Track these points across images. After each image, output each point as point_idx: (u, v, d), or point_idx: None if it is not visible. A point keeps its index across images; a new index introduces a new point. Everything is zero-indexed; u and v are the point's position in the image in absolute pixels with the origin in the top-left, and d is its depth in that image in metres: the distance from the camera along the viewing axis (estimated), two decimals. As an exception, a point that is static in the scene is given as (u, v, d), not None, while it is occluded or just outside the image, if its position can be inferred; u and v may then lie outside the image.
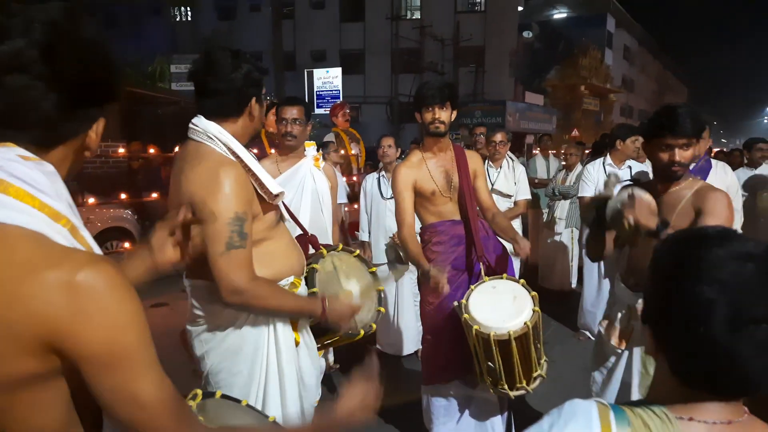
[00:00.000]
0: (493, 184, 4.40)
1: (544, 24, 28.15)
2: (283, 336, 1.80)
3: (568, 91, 28.10)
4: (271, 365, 1.79)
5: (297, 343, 1.86)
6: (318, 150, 3.12)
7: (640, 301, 2.11)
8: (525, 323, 2.22)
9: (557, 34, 28.95)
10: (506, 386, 2.33)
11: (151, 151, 7.45)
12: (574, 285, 5.95)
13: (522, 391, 2.35)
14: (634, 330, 2.12)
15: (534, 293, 2.38)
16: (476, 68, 23.71)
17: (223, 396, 1.30)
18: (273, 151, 3.33)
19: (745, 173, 5.02)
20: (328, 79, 13.09)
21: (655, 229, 1.83)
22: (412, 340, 4.21)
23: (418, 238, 2.88)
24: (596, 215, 2.07)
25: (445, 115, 2.62)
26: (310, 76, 13.07)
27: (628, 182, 2.16)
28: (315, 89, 12.85)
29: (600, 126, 27.27)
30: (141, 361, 0.78)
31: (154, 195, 6.61)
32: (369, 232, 4.41)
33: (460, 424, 2.81)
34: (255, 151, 4.06)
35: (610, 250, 2.30)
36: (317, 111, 11.96)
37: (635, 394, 2.12)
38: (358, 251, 2.19)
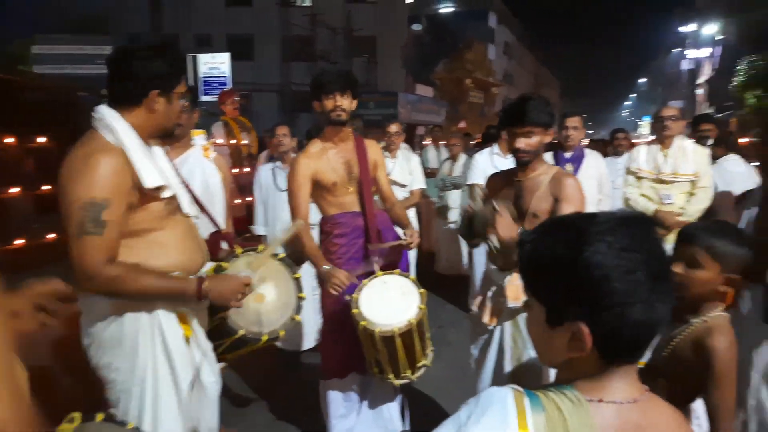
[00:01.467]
0: (389, 175, 4.45)
1: (432, 17, 29.04)
2: (169, 329, 1.71)
3: (455, 84, 29.32)
4: (160, 364, 1.70)
5: (187, 339, 1.77)
6: (208, 137, 2.95)
7: (507, 278, 2.29)
8: (409, 321, 2.33)
9: (444, 28, 30.01)
10: (391, 375, 2.45)
11: (9, 141, 6.56)
12: (464, 265, 6.24)
13: (406, 380, 2.47)
14: (504, 307, 2.28)
15: (423, 290, 2.47)
16: (369, 59, 23.88)
17: (106, 419, 1.17)
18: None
19: (612, 162, 5.53)
20: (215, 64, 12.44)
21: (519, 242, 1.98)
22: (311, 334, 4.14)
23: (316, 230, 2.83)
24: (467, 229, 2.21)
25: (346, 102, 2.59)
26: (195, 61, 12.32)
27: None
28: (200, 75, 12.15)
29: (485, 118, 28.80)
30: None
31: (14, 190, 5.85)
32: (265, 225, 4.27)
33: (360, 416, 2.83)
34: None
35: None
36: (204, 98, 11.32)
37: (507, 366, 2.30)
38: (282, 254, 2.10)
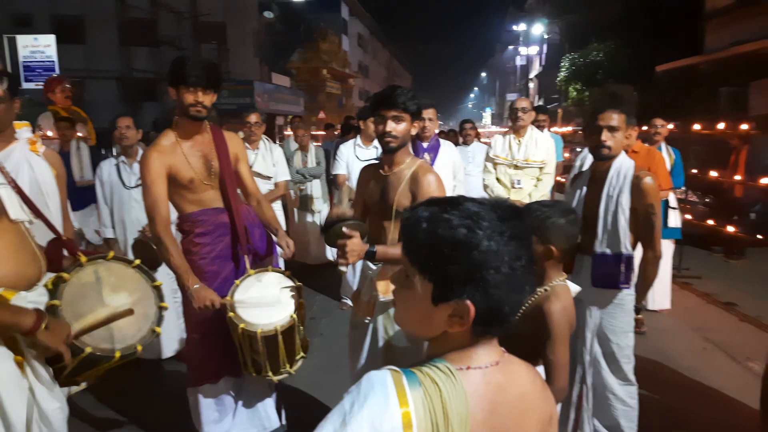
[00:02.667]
0: (251, 167, 4.29)
1: (284, 5, 28.42)
2: None
3: (312, 74, 29.18)
4: None
5: (20, 364, 1.57)
6: (33, 132, 2.57)
7: (374, 268, 2.36)
8: (291, 316, 2.30)
9: (297, 16, 29.58)
10: (270, 373, 2.39)
11: None
12: (330, 257, 6.29)
13: (284, 375, 2.43)
14: (377, 301, 2.34)
15: (299, 283, 2.44)
16: (218, 46, 22.70)
17: None
18: None
19: (463, 150, 5.95)
20: (38, 47, 10.87)
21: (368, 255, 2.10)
22: (172, 340, 3.88)
23: (174, 230, 2.63)
24: (330, 240, 2.18)
25: (208, 99, 2.41)
26: (12, 43, 10.68)
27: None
28: (20, 59, 10.58)
29: (343, 109, 29.12)
30: None
31: None
32: (113, 228, 3.88)
33: (235, 418, 2.73)
34: None
35: None
36: (25, 86, 9.88)
37: (381, 356, 2.37)
38: (138, 261, 1.91)
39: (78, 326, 1.69)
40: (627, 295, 2.47)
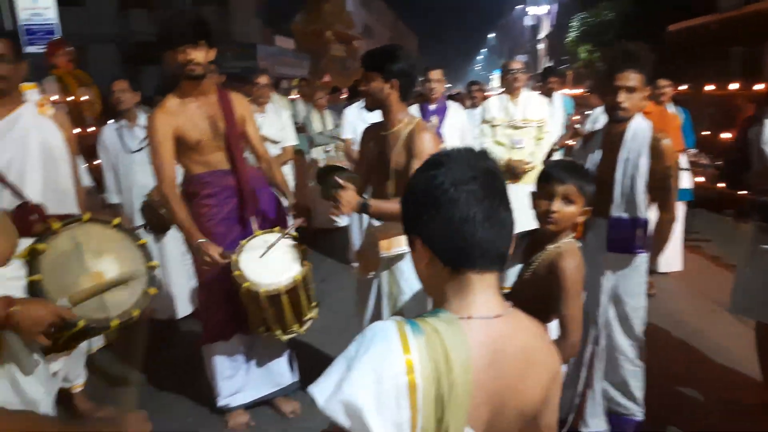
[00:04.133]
0: (259, 130, 4.25)
1: (286, -36, 27.70)
2: None
3: (316, 37, 28.57)
4: None
5: None
6: (41, 94, 2.53)
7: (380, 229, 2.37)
8: (294, 278, 2.33)
9: (299, -24, 28.85)
10: (278, 332, 2.44)
11: None
12: (339, 223, 6.32)
13: (293, 334, 2.48)
14: (380, 258, 2.37)
15: (304, 246, 2.46)
16: (219, 8, 22.20)
17: None
18: None
19: (471, 113, 5.86)
20: (38, 10, 10.69)
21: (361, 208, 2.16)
22: (185, 301, 3.95)
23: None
24: (325, 192, 2.24)
25: (199, 55, 2.36)
26: (12, 5, 10.51)
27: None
28: (21, 22, 10.41)
29: (349, 71, 28.64)
30: None
31: None
32: (118, 193, 3.89)
33: (249, 375, 2.80)
34: None
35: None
36: (28, 49, 9.76)
37: (385, 310, 2.43)
38: (118, 219, 1.81)
39: (67, 299, 1.58)
40: (642, 258, 2.45)
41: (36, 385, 1.55)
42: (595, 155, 2.51)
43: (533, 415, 0.97)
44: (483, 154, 0.99)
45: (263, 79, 4.32)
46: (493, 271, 0.96)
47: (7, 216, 1.58)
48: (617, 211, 2.40)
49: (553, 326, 1.82)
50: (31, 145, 2.35)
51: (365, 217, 2.53)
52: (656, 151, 2.33)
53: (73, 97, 5.65)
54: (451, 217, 0.91)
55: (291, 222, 2.64)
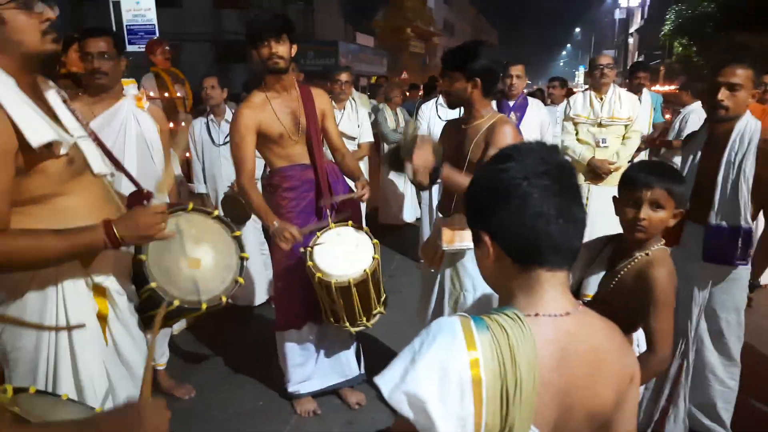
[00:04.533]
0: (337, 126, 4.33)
1: (370, -37, 28.02)
2: (74, 305, 1.51)
3: (396, 34, 28.75)
4: (61, 341, 1.51)
5: (103, 315, 1.58)
6: (139, 88, 2.73)
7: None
8: (364, 270, 2.37)
9: (383, -27, 29.10)
10: (347, 323, 2.49)
11: None
12: (407, 219, 6.34)
13: (361, 327, 2.53)
14: (444, 252, 2.33)
15: (375, 241, 2.50)
16: (305, 6, 22.89)
17: (39, 392, 1.10)
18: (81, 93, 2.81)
19: (551, 110, 5.66)
20: (140, 11, 11.48)
21: (428, 183, 2.11)
22: (262, 289, 4.11)
23: (259, 185, 2.75)
24: (395, 159, 2.19)
25: (282, 49, 2.45)
26: (117, 7, 11.36)
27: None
28: (125, 23, 11.26)
29: (427, 68, 28.57)
30: None
31: None
32: (204, 183, 4.11)
33: (318, 364, 2.88)
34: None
35: (426, 183, 2.47)
36: (129, 48, 10.54)
37: (446, 307, 2.40)
38: (216, 212, 1.92)
39: (164, 282, 1.68)
40: (742, 271, 2.25)
41: (135, 353, 1.69)
42: (694, 157, 2.33)
43: (604, 419, 0.93)
44: (554, 148, 0.96)
45: (344, 76, 4.40)
46: (564, 268, 0.93)
47: (119, 199, 1.72)
48: (716, 218, 2.21)
49: (640, 334, 1.73)
50: (129, 136, 2.54)
51: (437, 214, 2.55)
52: (765, 155, 2.13)
53: (168, 94, 6.06)
54: (523, 212, 0.88)
55: (362, 208, 2.66)
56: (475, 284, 2.32)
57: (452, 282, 2.39)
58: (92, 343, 1.55)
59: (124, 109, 2.56)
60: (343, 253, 2.43)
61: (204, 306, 1.73)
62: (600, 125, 4.11)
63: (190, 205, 1.86)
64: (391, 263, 5.17)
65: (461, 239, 2.28)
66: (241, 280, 1.85)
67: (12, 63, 1.37)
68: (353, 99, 4.58)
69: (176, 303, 1.65)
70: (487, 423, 0.80)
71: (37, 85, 1.48)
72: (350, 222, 2.58)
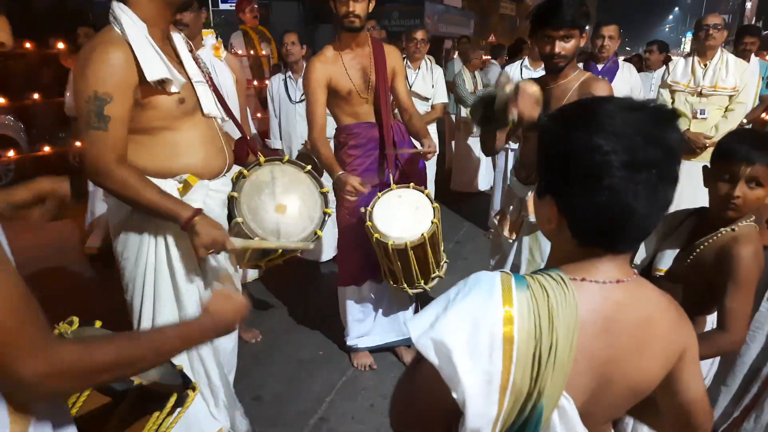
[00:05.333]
0: (411, 86, 4.27)
1: None
2: (175, 251, 1.75)
3: (486, -6, 27.57)
4: (161, 263, 1.75)
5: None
6: (217, 38, 2.82)
7: (530, 194, 2.23)
8: (422, 234, 2.34)
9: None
10: (405, 285, 2.50)
11: (27, 46, 6.48)
12: (481, 187, 6.20)
13: (419, 290, 2.53)
14: (524, 221, 2.25)
15: (436, 205, 2.46)
16: (394, -35, 22.43)
17: (103, 326, 1.21)
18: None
19: (646, 76, 5.24)
20: (233, -30, 11.84)
21: (538, 121, 1.88)
22: (329, 246, 4.20)
23: (331, 142, 2.78)
24: (484, 112, 2.04)
25: (360, 7, 2.42)
26: (211, -35, 11.75)
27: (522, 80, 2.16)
28: (218, -19, 11.62)
29: (516, 31, 27.28)
30: None
31: (35, 96, 5.83)
32: (280, 139, 4.22)
33: (376, 321, 2.95)
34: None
35: (502, 145, 2.34)
36: (221, 6, 10.90)
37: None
38: (310, 166, 2.02)
39: (250, 219, 1.83)
40: None
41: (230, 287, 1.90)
42: None
43: (647, 393, 0.89)
44: (668, 119, 0.80)
45: (420, 35, 4.29)
46: (630, 252, 0.87)
47: (225, 142, 1.88)
48: None
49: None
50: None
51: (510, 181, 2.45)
52: None
53: (255, 52, 6.23)
54: (609, 203, 0.78)
55: (432, 171, 2.62)
56: None
57: (530, 252, 2.31)
58: (186, 259, 1.77)
59: (203, 57, 2.64)
60: (403, 216, 2.43)
61: (281, 250, 1.85)
62: (700, 94, 3.75)
63: (286, 157, 1.99)
64: (459, 230, 5.12)
65: None
66: (320, 233, 1.95)
67: (152, 10, 1.57)
68: (428, 59, 4.47)
69: (257, 239, 1.80)
70: (515, 382, 0.78)
71: (168, 32, 1.68)
72: (412, 184, 2.57)
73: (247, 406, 2.56)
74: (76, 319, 1.15)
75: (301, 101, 3.96)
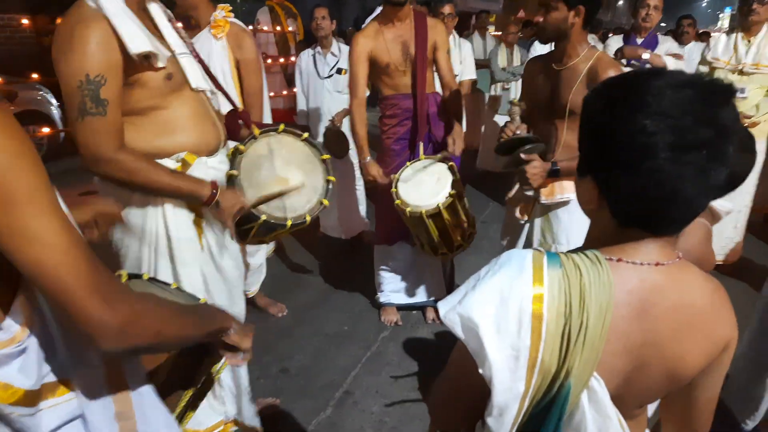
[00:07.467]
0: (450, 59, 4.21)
1: None
2: (174, 222, 1.66)
3: (517, -33, 26.80)
4: (161, 240, 1.67)
5: (199, 222, 1.72)
6: (254, 21, 2.79)
7: (534, 163, 2.19)
8: (438, 205, 2.42)
9: None
10: (428, 250, 2.65)
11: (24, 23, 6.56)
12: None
13: (444, 257, 2.68)
14: (536, 203, 2.20)
15: (458, 177, 2.50)
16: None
17: (151, 279, 1.22)
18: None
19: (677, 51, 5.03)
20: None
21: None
22: (356, 222, 4.20)
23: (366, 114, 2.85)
24: (502, 150, 2.09)
25: None
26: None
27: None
28: (245, -44, 11.53)
29: (546, 6, 26.42)
30: (37, 200, 0.68)
31: (34, 76, 5.91)
32: (307, 114, 4.21)
33: (405, 280, 3.11)
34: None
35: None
36: (248, -18, 10.83)
37: None
38: (306, 134, 1.95)
39: (253, 195, 1.79)
40: None
41: (227, 259, 1.84)
42: None
43: (686, 381, 0.85)
44: (722, 95, 0.74)
45: (448, 8, 4.21)
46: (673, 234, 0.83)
47: (216, 115, 1.79)
48: None
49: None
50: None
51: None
52: None
53: (281, 27, 6.19)
54: (652, 186, 0.74)
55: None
56: (569, 238, 2.15)
57: (542, 234, 2.25)
58: (189, 244, 1.71)
59: (200, 40, 2.44)
60: (423, 186, 2.52)
61: (289, 223, 1.81)
62: (741, 73, 3.59)
63: (281, 127, 1.91)
64: (485, 209, 5.08)
65: (562, 190, 2.10)
66: (326, 201, 1.89)
67: None
68: (456, 34, 4.38)
69: (263, 218, 1.76)
70: (543, 360, 0.77)
71: (144, 3, 1.56)
72: (438, 156, 2.63)
73: (274, 378, 2.63)
74: (124, 272, 1.15)
75: (329, 76, 3.94)
